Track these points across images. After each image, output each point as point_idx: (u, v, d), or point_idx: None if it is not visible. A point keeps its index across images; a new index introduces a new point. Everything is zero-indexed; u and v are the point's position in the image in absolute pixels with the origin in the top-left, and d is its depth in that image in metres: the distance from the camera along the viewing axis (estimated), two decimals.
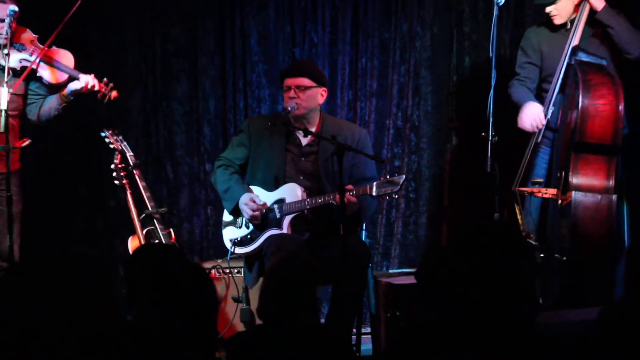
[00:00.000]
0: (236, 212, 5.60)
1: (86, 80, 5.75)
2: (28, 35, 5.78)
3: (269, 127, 5.60)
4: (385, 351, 4.76)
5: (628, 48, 5.72)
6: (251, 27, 6.85)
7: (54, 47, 5.80)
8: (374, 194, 5.26)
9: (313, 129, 5.57)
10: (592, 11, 5.73)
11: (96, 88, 5.79)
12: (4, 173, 5.54)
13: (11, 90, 5.50)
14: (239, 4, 6.83)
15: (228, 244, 5.68)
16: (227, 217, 5.72)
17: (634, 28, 5.78)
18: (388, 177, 5.28)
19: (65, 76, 5.80)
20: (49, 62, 5.78)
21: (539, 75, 5.97)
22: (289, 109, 5.49)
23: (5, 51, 5.50)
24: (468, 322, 2.36)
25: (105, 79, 5.83)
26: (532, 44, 5.99)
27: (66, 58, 5.83)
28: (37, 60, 5.69)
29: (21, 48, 5.71)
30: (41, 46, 5.72)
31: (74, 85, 5.76)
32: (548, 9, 5.81)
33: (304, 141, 5.64)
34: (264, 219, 5.53)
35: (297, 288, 3.77)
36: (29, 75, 5.70)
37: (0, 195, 5.67)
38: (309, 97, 5.55)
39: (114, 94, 5.88)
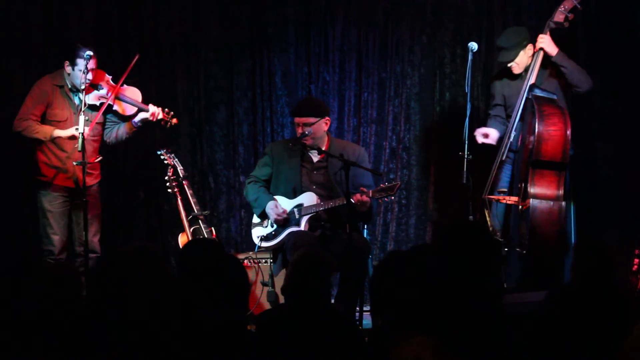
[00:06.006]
0: (263, 215, 5.63)
1: (152, 111, 5.77)
2: (104, 76, 5.80)
3: (289, 148, 5.64)
4: (382, 325, 4.77)
5: (578, 83, 5.72)
6: (276, 68, 6.86)
7: (125, 85, 5.81)
8: (376, 196, 5.30)
9: (323, 148, 5.61)
10: (544, 57, 5.74)
11: (160, 116, 5.81)
12: (83, 185, 5.53)
13: (90, 121, 5.56)
14: (267, 50, 6.86)
15: (256, 240, 5.68)
16: (255, 219, 5.73)
17: (580, 67, 5.79)
18: (386, 184, 5.33)
19: (134, 109, 5.81)
20: (121, 98, 5.80)
21: (504, 111, 6.00)
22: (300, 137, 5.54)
23: (83, 87, 5.53)
24: (448, 301, 2.39)
25: (167, 109, 5.86)
26: (497, 90, 6.03)
27: (135, 93, 5.85)
28: (111, 97, 5.71)
29: (99, 87, 5.74)
30: (114, 84, 5.75)
31: (142, 115, 5.78)
32: (510, 64, 5.84)
33: (315, 158, 5.66)
34: (285, 219, 5.56)
35: (314, 276, 3.78)
36: (106, 109, 5.74)
37: (79, 200, 5.71)
38: (315, 130, 5.55)
39: (174, 120, 5.89)
